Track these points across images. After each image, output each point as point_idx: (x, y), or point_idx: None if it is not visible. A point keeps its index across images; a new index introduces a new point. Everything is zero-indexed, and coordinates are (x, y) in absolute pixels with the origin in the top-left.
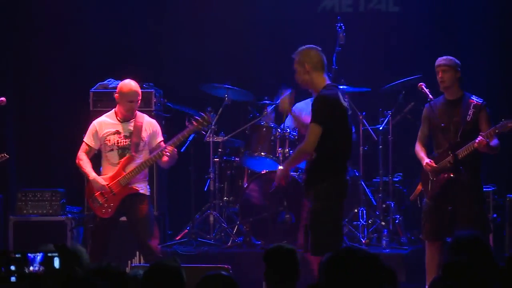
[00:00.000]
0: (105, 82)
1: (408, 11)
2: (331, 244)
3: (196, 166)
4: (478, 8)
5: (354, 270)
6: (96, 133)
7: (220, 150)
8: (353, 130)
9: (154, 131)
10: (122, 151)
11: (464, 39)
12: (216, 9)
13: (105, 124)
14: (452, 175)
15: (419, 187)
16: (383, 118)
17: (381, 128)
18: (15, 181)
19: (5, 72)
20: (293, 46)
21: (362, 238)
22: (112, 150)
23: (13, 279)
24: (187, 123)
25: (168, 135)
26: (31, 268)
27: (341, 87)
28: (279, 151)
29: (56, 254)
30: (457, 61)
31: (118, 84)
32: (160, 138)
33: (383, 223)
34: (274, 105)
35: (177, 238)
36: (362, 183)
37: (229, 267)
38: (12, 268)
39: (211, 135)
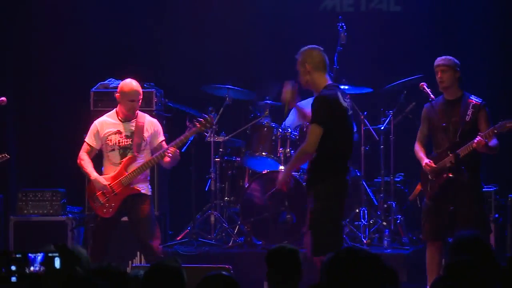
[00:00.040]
0: (106, 81)
1: (409, 10)
2: (331, 244)
3: (197, 166)
4: (479, 8)
5: (355, 271)
6: (97, 133)
7: (221, 150)
8: (355, 129)
9: (155, 130)
10: (124, 150)
11: (465, 38)
12: (217, 8)
13: (106, 124)
14: (451, 175)
15: (418, 187)
16: (384, 118)
17: (382, 128)
18: (15, 181)
19: (6, 72)
20: (294, 46)
21: (363, 238)
22: (113, 150)
23: (13, 279)
24: (188, 124)
25: (169, 135)
26: (32, 268)
27: (343, 87)
28: (280, 151)
29: (57, 254)
30: (456, 61)
31: (119, 84)
32: (161, 137)
33: (384, 223)
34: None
35: (178, 238)
36: (364, 183)
37: (230, 267)
38: (13, 268)
39: (212, 135)
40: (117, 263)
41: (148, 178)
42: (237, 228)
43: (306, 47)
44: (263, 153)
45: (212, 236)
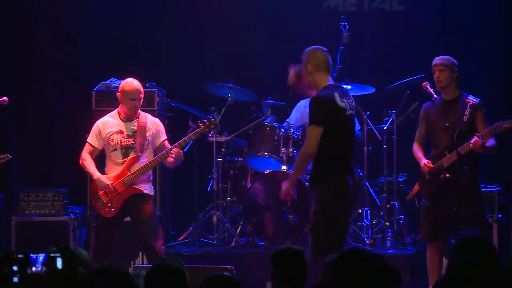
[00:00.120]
0: (107, 81)
1: (412, 10)
2: (330, 245)
3: (199, 166)
4: (482, 8)
5: (358, 271)
6: (99, 133)
7: (223, 150)
8: (359, 127)
9: (157, 130)
10: (126, 150)
11: (468, 38)
12: (219, 8)
13: (108, 124)
14: (448, 175)
15: (416, 187)
16: (387, 118)
17: (385, 127)
18: (17, 181)
19: (7, 71)
20: (296, 45)
21: (366, 238)
22: (115, 149)
23: (15, 279)
24: (191, 124)
25: (171, 135)
26: (34, 268)
27: (345, 86)
28: (282, 151)
29: (59, 255)
30: (454, 61)
31: (120, 83)
32: (164, 137)
33: (387, 223)
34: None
35: (180, 239)
36: (366, 183)
37: (233, 267)
38: (15, 268)
39: (214, 135)
40: (119, 263)
41: (151, 178)
42: (239, 228)
43: (310, 48)
44: (266, 153)
45: (214, 236)
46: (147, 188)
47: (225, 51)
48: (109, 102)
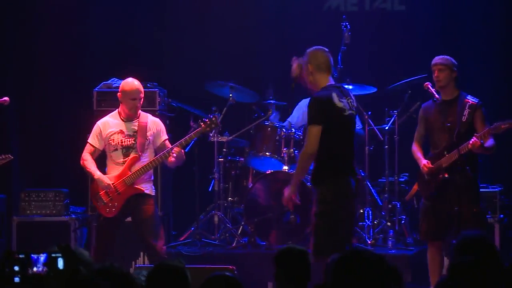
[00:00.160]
0: (109, 81)
1: (413, 10)
2: (331, 246)
3: (201, 166)
4: (484, 8)
5: (360, 271)
6: (100, 133)
7: (224, 150)
8: (360, 126)
9: (158, 130)
10: (126, 150)
11: (469, 38)
12: (220, 8)
13: (109, 124)
14: (447, 175)
15: (415, 187)
16: (389, 118)
17: (387, 127)
18: (18, 181)
19: (8, 71)
20: (298, 45)
21: (367, 238)
22: (116, 149)
23: (16, 279)
24: (192, 124)
25: (172, 135)
26: (35, 269)
27: (347, 86)
28: (284, 151)
29: (60, 255)
30: (453, 60)
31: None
32: (164, 136)
33: (389, 223)
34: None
35: (182, 239)
36: (368, 183)
37: (234, 268)
38: (16, 268)
39: (215, 135)
40: (120, 263)
41: (152, 178)
42: (240, 228)
43: (311, 48)
44: (267, 153)
45: (215, 236)
46: (148, 188)
47: (226, 51)
48: (110, 102)
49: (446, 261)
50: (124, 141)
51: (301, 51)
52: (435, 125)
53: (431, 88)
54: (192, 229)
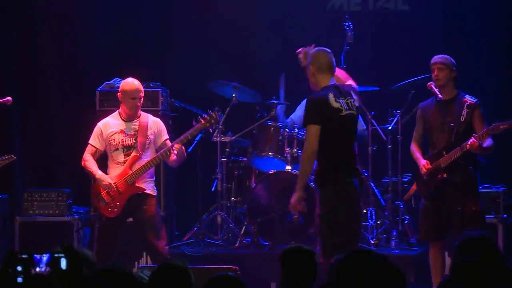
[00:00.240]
0: (111, 81)
1: (417, 10)
2: (336, 247)
3: (203, 166)
4: (487, 8)
5: (363, 271)
6: (101, 134)
7: (227, 150)
8: (364, 127)
9: (159, 129)
10: (127, 149)
11: (473, 38)
12: (223, 8)
13: (109, 124)
14: (445, 176)
15: (414, 187)
16: (392, 118)
17: (390, 127)
18: (21, 182)
19: (11, 71)
20: (301, 45)
21: (371, 239)
22: (117, 149)
23: (19, 279)
24: (194, 123)
25: (175, 135)
26: (38, 269)
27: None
28: (287, 151)
29: (63, 255)
30: (453, 60)
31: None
32: (165, 136)
33: (392, 223)
34: (284, 105)
35: (185, 239)
36: (371, 183)
37: (237, 268)
38: (19, 268)
39: (218, 135)
40: (123, 263)
41: (153, 178)
42: (243, 228)
43: (314, 49)
44: (270, 153)
45: (218, 236)
46: (149, 188)
47: (229, 50)
48: (113, 102)
49: (448, 261)
50: (125, 141)
51: None
52: (434, 125)
53: (434, 88)
54: (195, 229)
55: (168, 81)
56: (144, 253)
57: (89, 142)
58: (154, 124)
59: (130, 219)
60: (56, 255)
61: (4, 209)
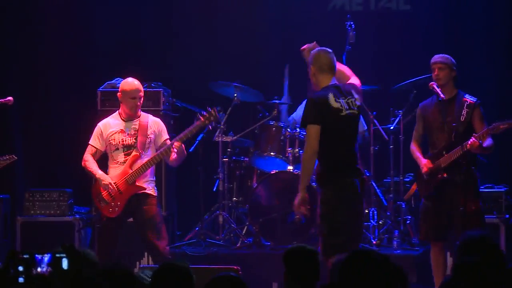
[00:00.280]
0: (113, 81)
1: (419, 9)
2: (336, 247)
3: (205, 166)
4: (489, 8)
5: (365, 271)
6: (101, 134)
7: (229, 150)
8: (365, 128)
9: (159, 129)
10: (128, 149)
11: (475, 38)
12: (225, 8)
13: (109, 124)
14: (445, 175)
15: (414, 187)
16: (394, 118)
17: (392, 127)
18: (22, 182)
19: (12, 71)
20: (302, 45)
21: (372, 239)
22: (117, 149)
23: (21, 280)
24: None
25: (176, 135)
26: (39, 269)
27: None
28: (288, 151)
29: (64, 255)
30: (453, 60)
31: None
32: (165, 136)
33: (394, 224)
34: (286, 104)
35: (186, 239)
36: (373, 183)
37: (239, 268)
38: (20, 269)
39: (220, 135)
40: (124, 264)
41: (154, 179)
42: (245, 228)
43: (314, 50)
44: (272, 153)
45: (220, 236)
46: (150, 189)
47: (231, 50)
48: (114, 102)
49: (450, 261)
50: (125, 140)
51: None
52: (434, 125)
53: (436, 88)
54: (197, 229)
55: (169, 81)
56: (146, 253)
57: (89, 142)
58: (154, 123)
59: (130, 219)
60: (57, 255)
61: (5, 209)
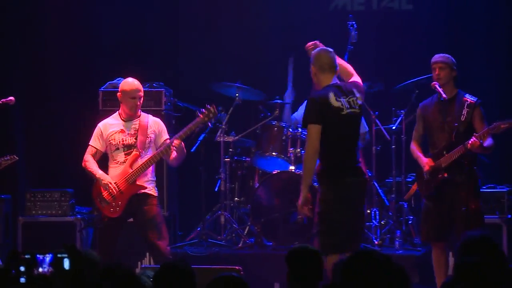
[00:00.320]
0: (114, 81)
1: (421, 9)
2: (333, 246)
3: (207, 166)
4: (491, 8)
5: (367, 272)
6: (101, 135)
7: (231, 150)
8: (367, 130)
9: (159, 129)
10: (128, 149)
11: (476, 38)
12: (227, 9)
13: (110, 124)
14: (446, 175)
15: (414, 187)
16: (396, 118)
17: (394, 127)
18: (23, 182)
19: (13, 71)
20: (304, 45)
21: (374, 239)
22: (117, 148)
23: (22, 280)
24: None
25: None
26: (40, 269)
27: None
28: (290, 151)
29: (66, 255)
30: (453, 59)
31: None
32: (166, 136)
33: (396, 224)
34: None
35: (188, 239)
36: (375, 183)
37: (240, 268)
38: (22, 269)
39: (221, 135)
40: (126, 264)
41: (154, 179)
42: (247, 228)
43: (315, 50)
44: (273, 153)
45: (222, 237)
46: (150, 189)
47: (233, 50)
48: (115, 102)
49: (452, 261)
50: (125, 140)
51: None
52: (434, 124)
53: (438, 88)
54: (198, 229)
55: (171, 81)
56: (147, 253)
57: (89, 143)
58: (154, 123)
59: (131, 220)
60: (59, 255)
61: (7, 209)
